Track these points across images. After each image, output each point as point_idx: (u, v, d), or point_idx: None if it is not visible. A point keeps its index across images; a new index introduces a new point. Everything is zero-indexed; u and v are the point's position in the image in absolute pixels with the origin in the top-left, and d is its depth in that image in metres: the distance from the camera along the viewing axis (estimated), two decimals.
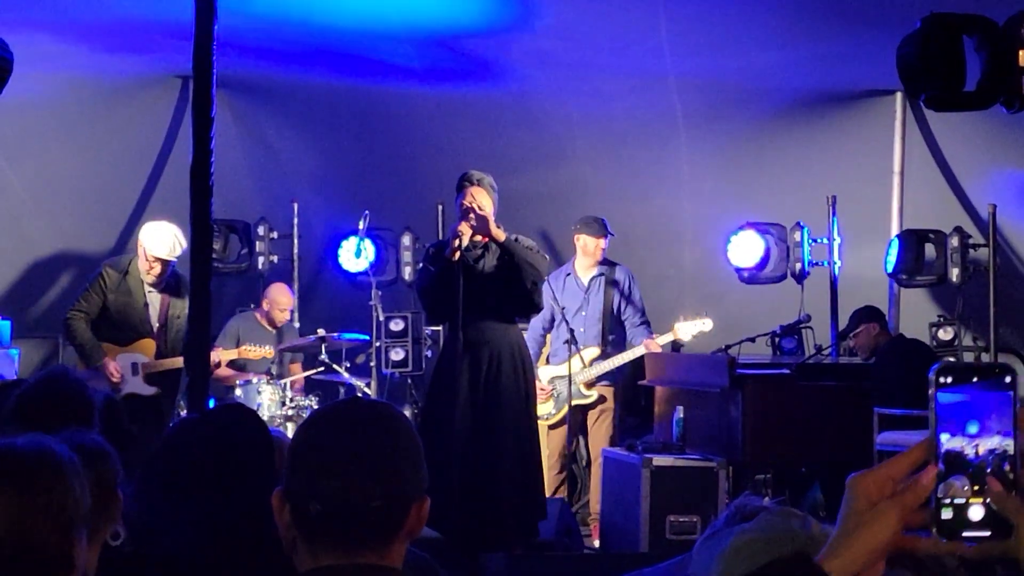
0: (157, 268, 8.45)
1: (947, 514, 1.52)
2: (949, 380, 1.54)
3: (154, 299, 8.56)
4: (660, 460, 7.83)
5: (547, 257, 7.48)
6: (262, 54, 10.10)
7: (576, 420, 9.13)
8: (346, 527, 2.00)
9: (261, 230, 10.82)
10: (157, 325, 8.52)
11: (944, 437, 1.53)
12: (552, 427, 9.07)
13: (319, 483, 2.00)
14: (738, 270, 10.57)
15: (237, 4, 8.56)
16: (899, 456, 1.58)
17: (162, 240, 8.47)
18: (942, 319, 10.89)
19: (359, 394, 9.27)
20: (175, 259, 8.50)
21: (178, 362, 8.42)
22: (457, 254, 6.96)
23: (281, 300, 9.99)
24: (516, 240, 7.16)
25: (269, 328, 9.94)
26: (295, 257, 11.05)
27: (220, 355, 8.98)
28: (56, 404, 3.72)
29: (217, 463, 3.01)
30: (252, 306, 10.30)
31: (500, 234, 7.07)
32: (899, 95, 10.68)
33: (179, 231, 8.54)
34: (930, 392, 1.54)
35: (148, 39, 9.65)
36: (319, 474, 2.00)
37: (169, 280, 8.59)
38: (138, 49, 9.90)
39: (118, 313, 8.48)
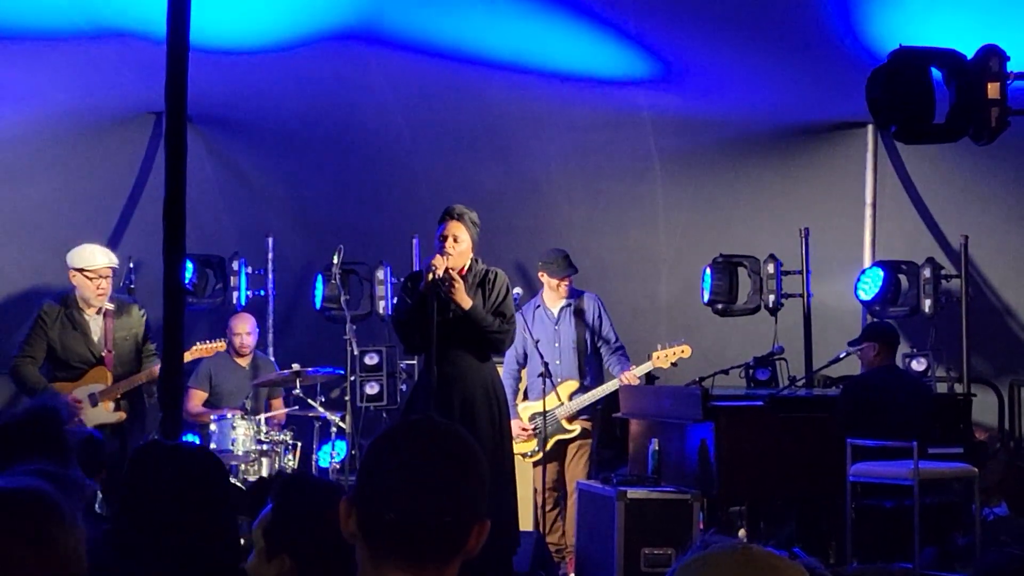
0: (104, 283, 8.25)
1: None
2: None
3: (97, 326, 8.32)
4: (635, 493, 7.84)
5: (515, 323, 7.52)
6: (236, 89, 10.11)
7: (559, 454, 9.15)
8: (416, 539, 2.06)
9: (236, 264, 10.80)
10: (106, 351, 8.29)
11: None
12: (537, 464, 9.06)
13: (394, 494, 2.07)
14: (710, 303, 10.62)
15: (211, 41, 8.59)
16: None
17: (94, 252, 8.31)
18: (915, 350, 10.92)
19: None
20: (116, 265, 8.42)
21: (135, 380, 8.27)
22: (431, 285, 7.01)
23: (235, 326, 9.94)
24: (501, 297, 7.26)
25: (240, 362, 9.92)
26: (270, 291, 11.03)
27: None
28: (34, 439, 3.71)
29: (178, 491, 3.02)
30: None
31: (467, 301, 7.12)
32: (870, 128, 10.73)
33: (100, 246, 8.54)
34: None
35: (122, 76, 9.66)
36: (395, 486, 2.08)
37: (108, 303, 8.35)
38: (112, 86, 9.90)
39: (64, 349, 8.27)
